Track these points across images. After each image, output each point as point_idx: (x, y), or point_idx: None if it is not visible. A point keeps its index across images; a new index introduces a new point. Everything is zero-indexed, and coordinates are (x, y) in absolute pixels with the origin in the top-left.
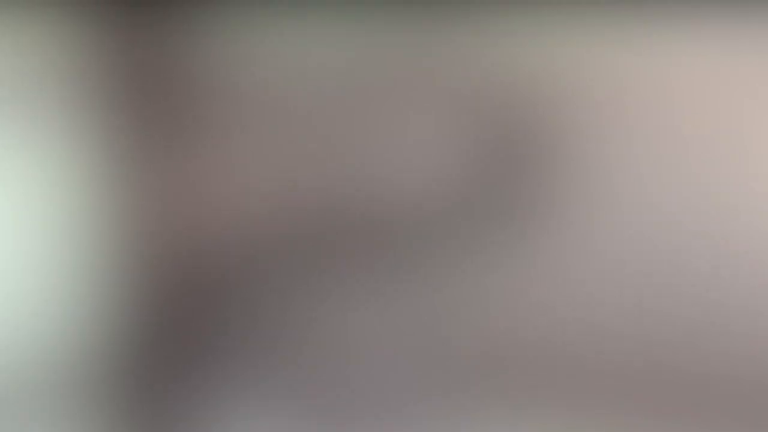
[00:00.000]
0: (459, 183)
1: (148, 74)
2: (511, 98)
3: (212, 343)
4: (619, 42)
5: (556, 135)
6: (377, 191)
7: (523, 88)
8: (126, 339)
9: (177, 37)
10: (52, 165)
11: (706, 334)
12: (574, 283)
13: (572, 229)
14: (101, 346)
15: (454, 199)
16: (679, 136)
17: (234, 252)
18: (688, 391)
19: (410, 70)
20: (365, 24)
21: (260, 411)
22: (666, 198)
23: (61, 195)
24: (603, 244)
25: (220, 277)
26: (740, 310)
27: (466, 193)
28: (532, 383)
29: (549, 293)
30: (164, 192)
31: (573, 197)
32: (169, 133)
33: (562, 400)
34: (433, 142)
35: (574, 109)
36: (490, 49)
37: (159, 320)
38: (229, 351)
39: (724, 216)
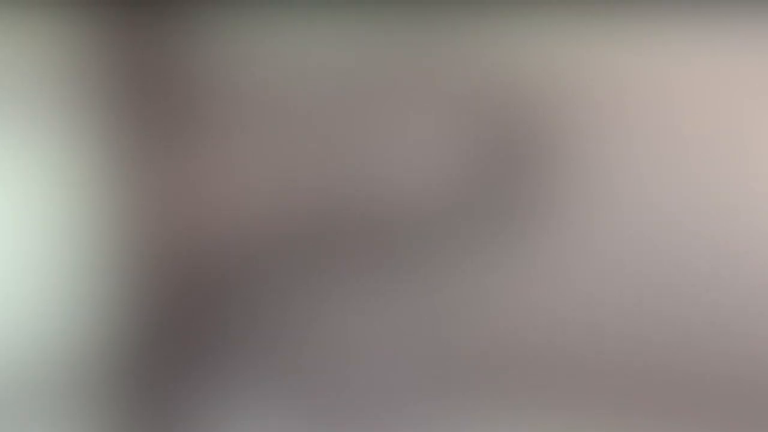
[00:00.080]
0: (459, 183)
1: (148, 74)
2: (511, 98)
3: (212, 343)
4: (619, 42)
5: (556, 135)
6: (377, 191)
7: (523, 89)
8: (126, 339)
9: (177, 37)
10: (52, 165)
11: (706, 334)
12: (574, 283)
13: (572, 229)
14: (101, 346)
15: (454, 199)
16: (679, 136)
17: (234, 252)
18: (688, 391)
19: (410, 71)
20: (365, 24)
21: (260, 411)
22: (666, 198)
23: (61, 195)
24: (603, 244)
25: (220, 277)
26: (740, 310)
27: (466, 193)
28: (532, 383)
29: (549, 293)
30: (164, 192)
31: (573, 197)
32: (169, 133)
33: (562, 400)
34: (433, 142)
35: (574, 109)
36: (490, 50)
37: (159, 320)
38: (229, 351)
39: (724, 216)
